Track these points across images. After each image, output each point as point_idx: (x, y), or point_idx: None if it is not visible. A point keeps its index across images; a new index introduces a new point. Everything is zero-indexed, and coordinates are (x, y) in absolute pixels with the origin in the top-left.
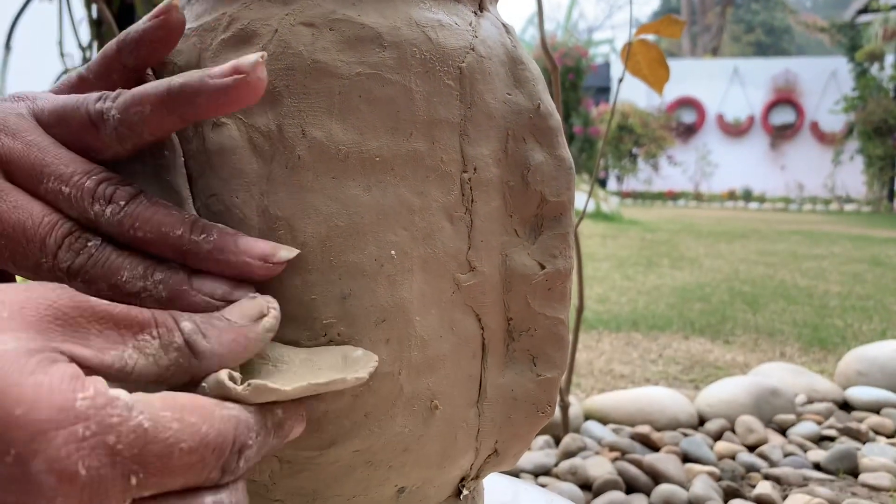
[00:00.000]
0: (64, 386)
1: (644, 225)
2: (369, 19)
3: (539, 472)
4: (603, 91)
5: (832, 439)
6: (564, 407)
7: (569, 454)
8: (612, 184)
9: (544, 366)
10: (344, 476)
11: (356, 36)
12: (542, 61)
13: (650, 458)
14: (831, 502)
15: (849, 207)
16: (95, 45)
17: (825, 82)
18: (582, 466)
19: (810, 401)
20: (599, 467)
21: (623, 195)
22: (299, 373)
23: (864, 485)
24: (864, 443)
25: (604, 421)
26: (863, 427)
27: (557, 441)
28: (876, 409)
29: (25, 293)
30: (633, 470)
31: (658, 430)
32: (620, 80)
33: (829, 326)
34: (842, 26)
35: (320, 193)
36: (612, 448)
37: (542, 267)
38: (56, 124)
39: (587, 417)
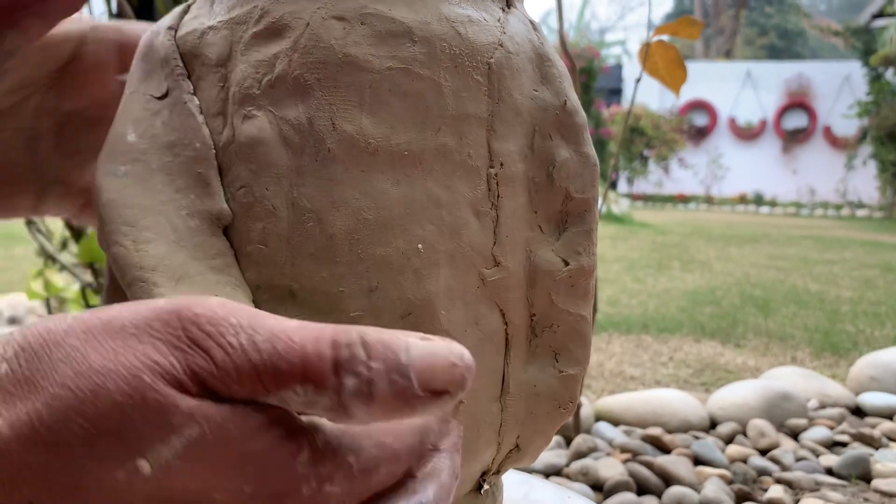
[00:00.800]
0: (282, 457)
1: (655, 227)
2: (400, 14)
3: (550, 472)
4: (615, 93)
5: (844, 444)
6: (576, 408)
7: (580, 455)
8: (622, 186)
9: (566, 362)
10: None
11: (387, 30)
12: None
13: (661, 459)
14: None
15: (861, 213)
16: None
17: (839, 87)
18: (593, 467)
19: (822, 406)
20: (611, 468)
21: (633, 197)
22: None
23: (876, 490)
24: (876, 448)
25: (615, 422)
26: (876, 433)
27: (568, 441)
28: (889, 415)
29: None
30: (645, 471)
31: (669, 432)
32: (638, 81)
33: (841, 332)
34: (856, 30)
35: (349, 186)
36: (624, 449)
37: (566, 263)
38: None
39: (598, 418)
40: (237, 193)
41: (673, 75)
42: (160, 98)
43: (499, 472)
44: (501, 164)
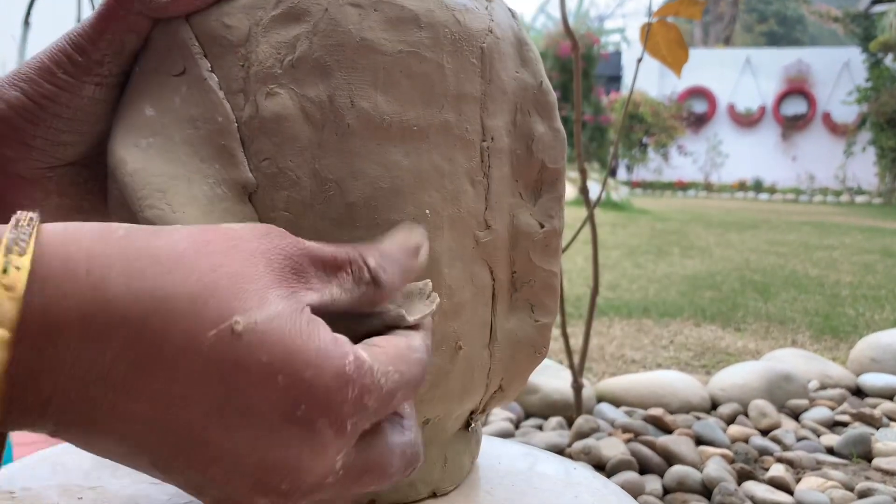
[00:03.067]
0: (335, 351)
1: (654, 214)
2: (408, 2)
3: (552, 452)
4: (614, 80)
5: (845, 424)
6: (578, 388)
7: (582, 435)
8: (621, 173)
9: (541, 312)
10: None
11: (397, 17)
12: (551, 50)
13: (663, 439)
14: (845, 485)
15: (860, 199)
16: None
17: (838, 73)
18: (595, 447)
19: (823, 387)
20: (613, 448)
21: (633, 185)
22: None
23: (877, 469)
24: (877, 428)
25: (616, 403)
26: (876, 412)
27: (570, 422)
28: (889, 395)
29: (260, 242)
30: (647, 451)
31: (671, 413)
32: (639, 60)
33: (841, 315)
34: (855, 16)
35: (367, 158)
36: (626, 429)
37: (542, 226)
38: None
39: (600, 400)
40: (261, 165)
41: (674, 55)
42: (177, 75)
43: (484, 411)
44: (492, 139)
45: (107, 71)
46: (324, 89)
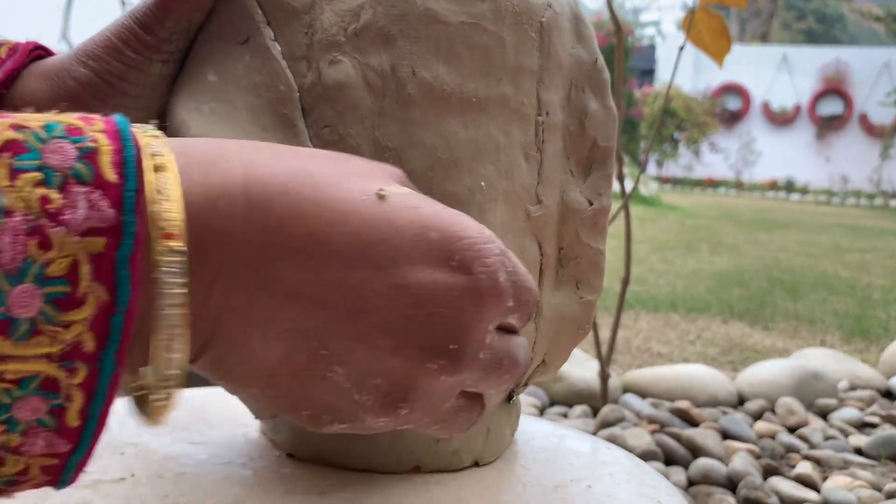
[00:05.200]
0: (470, 218)
1: (683, 210)
2: None
3: None
4: (647, 73)
5: (874, 426)
6: (604, 378)
7: (607, 424)
8: (651, 168)
9: (586, 290)
10: None
11: None
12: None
13: (689, 432)
14: (873, 486)
15: (894, 203)
16: None
17: (877, 73)
18: (621, 437)
19: (853, 387)
20: (639, 438)
21: (662, 180)
22: None
23: None
24: None
25: (643, 395)
26: None
27: (595, 411)
28: None
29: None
30: (672, 443)
31: (697, 406)
32: (681, 48)
33: (872, 318)
34: None
35: (426, 128)
36: (652, 420)
37: (591, 203)
38: None
39: (626, 390)
40: (322, 132)
41: (717, 44)
42: (241, 43)
43: (526, 384)
44: (547, 113)
45: (174, 48)
46: (386, 58)
